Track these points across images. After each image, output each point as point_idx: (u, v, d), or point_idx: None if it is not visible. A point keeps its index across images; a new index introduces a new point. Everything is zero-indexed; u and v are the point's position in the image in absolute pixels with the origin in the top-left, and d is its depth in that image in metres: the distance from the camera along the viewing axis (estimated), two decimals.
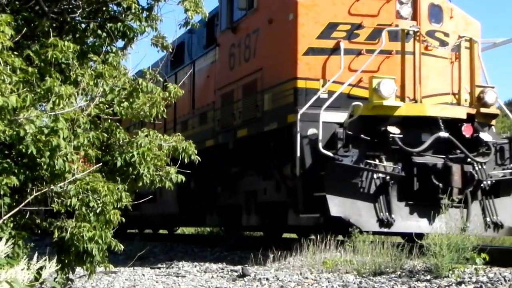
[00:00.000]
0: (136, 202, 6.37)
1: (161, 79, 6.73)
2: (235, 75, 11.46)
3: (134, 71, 6.72)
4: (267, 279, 7.57)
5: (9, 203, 5.39)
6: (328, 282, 6.98)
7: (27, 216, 5.89)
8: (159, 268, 9.80)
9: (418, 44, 9.57)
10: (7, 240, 4.77)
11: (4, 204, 5.27)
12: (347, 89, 9.28)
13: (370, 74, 9.28)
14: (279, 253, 9.03)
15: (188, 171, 6.62)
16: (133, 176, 6.16)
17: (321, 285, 6.88)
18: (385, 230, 8.79)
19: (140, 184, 6.24)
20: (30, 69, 5.64)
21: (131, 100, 6.20)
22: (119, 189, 5.87)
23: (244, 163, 11.62)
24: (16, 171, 5.38)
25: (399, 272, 7.09)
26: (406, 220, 8.92)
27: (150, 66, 6.98)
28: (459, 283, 6.15)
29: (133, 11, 6.67)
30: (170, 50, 7.18)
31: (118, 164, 6.04)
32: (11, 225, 5.55)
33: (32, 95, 5.35)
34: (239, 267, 8.80)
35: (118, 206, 5.88)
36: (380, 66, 9.52)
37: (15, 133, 5.19)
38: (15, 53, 5.68)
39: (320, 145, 8.85)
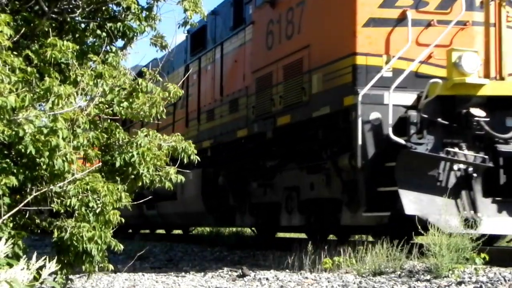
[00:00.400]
0: (135, 202, 6.36)
1: (160, 79, 6.70)
2: (274, 55, 10.03)
3: (136, 70, 6.72)
4: (267, 279, 7.57)
5: (9, 203, 5.39)
6: (328, 282, 6.97)
7: (26, 216, 5.90)
8: (159, 268, 9.79)
9: (504, 12, 8.17)
10: (7, 240, 4.77)
11: (3, 204, 5.27)
12: (415, 66, 8.02)
13: (442, 49, 8.06)
14: (279, 253, 9.00)
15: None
16: (133, 176, 6.17)
17: (321, 285, 6.87)
18: (471, 231, 7.39)
19: (140, 184, 6.25)
20: (29, 69, 5.64)
21: (130, 100, 6.21)
22: (118, 189, 5.87)
23: (285, 154, 10.34)
24: (15, 171, 5.38)
25: (399, 272, 7.08)
26: (494, 220, 7.66)
27: (149, 65, 6.97)
28: (459, 283, 6.14)
29: (132, 10, 6.68)
30: (169, 49, 7.18)
31: (117, 164, 6.05)
32: (11, 225, 5.55)
33: (31, 95, 5.36)
34: (239, 267, 8.79)
35: (118, 206, 5.89)
36: (453, 40, 8.19)
37: (14, 133, 5.19)
38: (15, 53, 5.68)
39: (391, 131, 7.70)
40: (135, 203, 6.30)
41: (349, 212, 8.76)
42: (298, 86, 9.26)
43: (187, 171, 6.53)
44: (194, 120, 13.37)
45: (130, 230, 20.30)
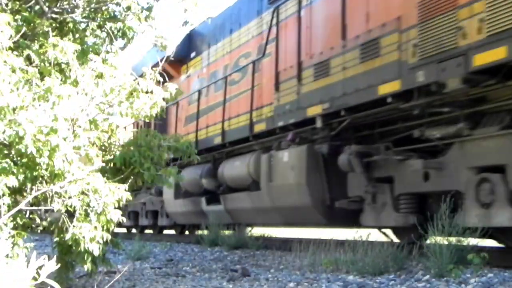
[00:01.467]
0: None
1: (161, 79, 6.69)
2: None
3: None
4: (267, 279, 7.57)
5: (9, 203, 5.40)
6: (328, 282, 6.97)
7: (27, 216, 5.91)
8: (159, 268, 9.79)
9: None
10: (7, 240, 4.77)
11: (3, 204, 5.27)
12: None
13: None
14: (279, 253, 8.99)
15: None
16: (133, 176, 6.18)
17: (321, 285, 6.87)
18: None
19: (140, 183, 6.26)
20: (30, 69, 5.65)
21: (131, 100, 6.22)
22: (119, 189, 5.89)
23: (477, 115, 6.99)
24: (15, 171, 5.38)
25: (399, 272, 7.09)
26: None
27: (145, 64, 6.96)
28: (459, 283, 6.14)
29: (133, 11, 6.71)
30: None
31: (118, 163, 6.06)
32: (11, 225, 5.56)
33: (32, 94, 5.36)
34: (239, 267, 8.79)
35: (119, 206, 5.91)
36: None
37: (14, 132, 5.19)
38: (15, 53, 5.69)
39: None
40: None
41: None
42: None
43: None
44: (291, 80, 9.69)
45: (172, 231, 17.70)
